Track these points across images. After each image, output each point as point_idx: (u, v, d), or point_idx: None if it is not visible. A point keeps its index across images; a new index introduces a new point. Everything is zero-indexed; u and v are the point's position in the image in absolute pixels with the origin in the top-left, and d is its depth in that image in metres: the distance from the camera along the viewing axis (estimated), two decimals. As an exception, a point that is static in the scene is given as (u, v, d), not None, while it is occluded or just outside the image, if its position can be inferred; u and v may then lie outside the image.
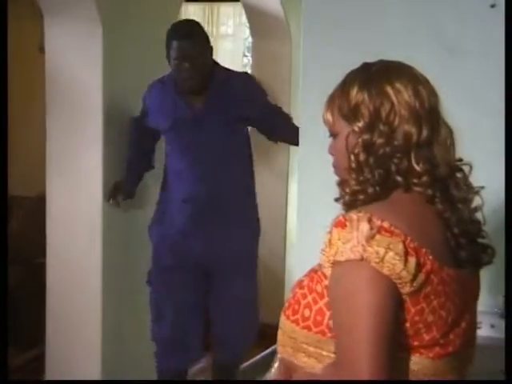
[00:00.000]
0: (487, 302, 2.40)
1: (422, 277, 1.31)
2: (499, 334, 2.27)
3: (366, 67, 1.51)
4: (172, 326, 3.20)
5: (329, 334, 1.37)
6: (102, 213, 3.31)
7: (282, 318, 1.48)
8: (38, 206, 3.84)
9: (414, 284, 1.30)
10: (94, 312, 3.38)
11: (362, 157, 1.43)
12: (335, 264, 1.33)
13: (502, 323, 2.37)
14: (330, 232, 1.35)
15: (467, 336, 1.46)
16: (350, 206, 1.45)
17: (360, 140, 1.43)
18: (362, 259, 1.29)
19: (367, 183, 1.42)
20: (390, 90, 1.43)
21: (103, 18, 3.22)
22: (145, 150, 3.34)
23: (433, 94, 1.47)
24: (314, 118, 2.70)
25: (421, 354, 1.36)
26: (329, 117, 1.50)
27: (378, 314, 1.27)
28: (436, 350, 1.37)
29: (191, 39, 3.02)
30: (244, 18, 5.18)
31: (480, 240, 1.48)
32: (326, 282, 1.37)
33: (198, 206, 3.12)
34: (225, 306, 3.26)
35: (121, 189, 3.30)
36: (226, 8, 6.26)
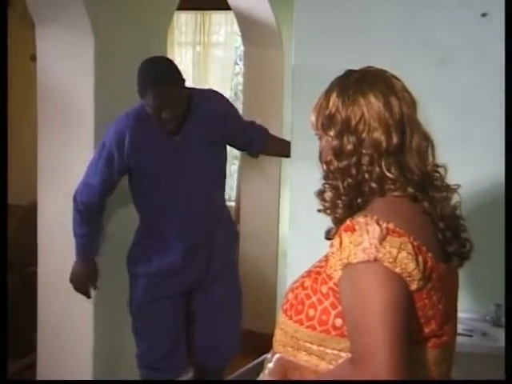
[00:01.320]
0: (479, 309, 2.41)
1: (426, 274, 1.39)
2: (491, 342, 2.28)
3: (347, 75, 1.56)
4: (164, 347, 3.24)
5: (333, 333, 1.43)
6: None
7: (284, 319, 1.52)
8: (29, 214, 3.83)
9: (421, 282, 1.37)
10: (85, 320, 3.37)
11: (333, 164, 1.50)
12: (347, 266, 1.38)
13: (493, 331, 2.38)
14: (340, 236, 1.40)
15: (456, 327, 1.55)
16: (334, 217, 1.50)
17: (331, 148, 1.50)
18: (375, 260, 1.35)
19: (339, 191, 1.48)
20: (361, 99, 1.49)
21: (95, 27, 3.21)
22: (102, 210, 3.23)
23: (408, 103, 1.52)
24: (306, 126, 2.71)
25: (421, 345, 1.43)
26: (313, 120, 1.57)
27: (394, 311, 1.33)
28: (433, 341, 1.45)
29: (169, 85, 2.94)
30: (236, 27, 5.18)
31: (462, 234, 1.55)
32: (331, 284, 1.43)
33: (192, 235, 3.14)
34: (212, 312, 3.29)
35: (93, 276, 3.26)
36: (217, 16, 6.27)
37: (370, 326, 1.33)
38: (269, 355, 1.59)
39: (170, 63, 3.07)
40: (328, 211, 1.52)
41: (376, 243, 1.35)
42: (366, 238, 1.36)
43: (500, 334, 2.36)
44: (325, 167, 1.52)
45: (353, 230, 1.39)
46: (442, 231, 1.50)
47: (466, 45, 2.54)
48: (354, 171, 1.47)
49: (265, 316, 4.68)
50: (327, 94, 1.54)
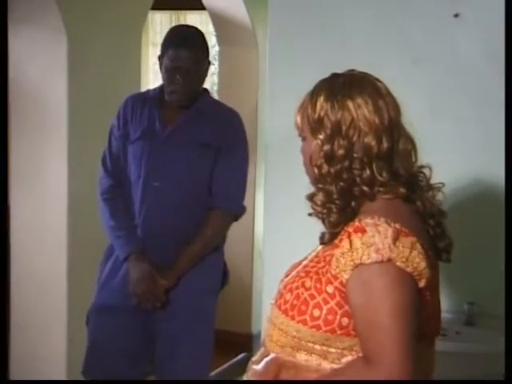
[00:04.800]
0: (452, 309, 2.42)
1: (431, 272, 1.44)
2: (464, 341, 2.29)
3: (333, 78, 1.57)
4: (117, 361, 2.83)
5: (339, 332, 1.45)
6: (67, 224, 3.27)
7: (283, 320, 1.52)
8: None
9: (428, 280, 1.42)
10: (59, 323, 3.35)
11: (324, 168, 1.50)
12: (359, 267, 1.40)
13: (466, 330, 2.39)
14: (348, 238, 1.42)
15: None
16: (329, 221, 1.50)
17: (322, 152, 1.50)
18: (388, 260, 1.38)
19: (332, 194, 1.49)
20: (350, 104, 1.50)
21: (68, 27, 3.19)
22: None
23: (394, 107, 1.54)
24: (281, 127, 2.71)
25: (421, 342, 1.45)
26: (298, 121, 1.57)
27: (407, 310, 1.38)
28: (429, 338, 1.52)
29: (190, 50, 2.70)
30: (211, 27, 5.17)
31: (445, 230, 1.59)
32: (337, 284, 1.45)
33: (146, 231, 2.77)
34: (170, 349, 2.80)
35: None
36: (192, 16, 6.25)
37: (385, 325, 1.37)
38: (255, 357, 1.60)
39: (199, 31, 2.84)
40: (320, 215, 1.53)
41: (390, 243, 1.38)
42: (378, 238, 1.39)
43: (473, 333, 2.38)
44: (316, 171, 1.52)
45: (363, 231, 1.41)
46: (432, 228, 1.55)
47: (439, 45, 2.56)
48: (345, 175, 1.49)
49: (240, 316, 4.69)
50: (313, 96, 1.54)
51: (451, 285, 2.43)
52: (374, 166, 1.48)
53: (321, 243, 1.57)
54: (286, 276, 1.63)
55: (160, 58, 2.77)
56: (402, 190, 1.50)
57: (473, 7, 2.50)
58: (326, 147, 1.50)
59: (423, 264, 1.40)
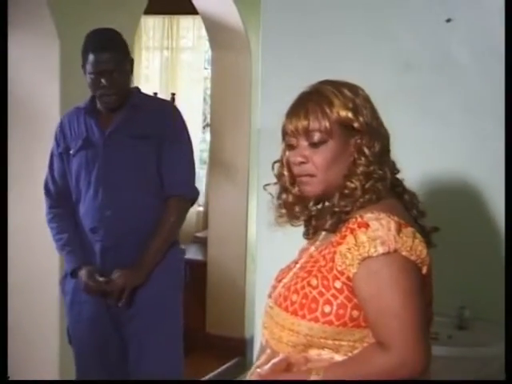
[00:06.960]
0: (444, 312, 2.42)
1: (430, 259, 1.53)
2: (456, 344, 2.30)
3: (334, 82, 1.61)
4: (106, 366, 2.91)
5: (350, 324, 1.51)
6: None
7: (294, 320, 1.55)
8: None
9: (429, 267, 1.50)
10: (51, 323, 3.34)
11: (369, 164, 1.55)
12: (366, 260, 1.46)
13: (458, 334, 2.40)
14: (352, 233, 1.49)
15: None
16: (335, 211, 1.56)
17: (367, 147, 1.55)
18: (394, 251, 1.46)
19: (376, 184, 1.55)
20: (363, 110, 1.57)
21: (60, 32, 3.19)
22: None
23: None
24: (274, 131, 2.72)
25: None
26: (322, 125, 1.56)
27: (416, 296, 1.46)
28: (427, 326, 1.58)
29: (109, 52, 2.75)
30: (204, 31, 5.18)
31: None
32: (344, 279, 1.51)
33: (106, 233, 2.80)
34: (140, 348, 2.86)
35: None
36: (185, 21, 6.26)
37: (397, 312, 1.44)
38: (259, 362, 1.61)
39: (115, 32, 2.90)
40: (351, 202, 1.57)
41: (394, 235, 1.46)
42: (382, 231, 1.46)
43: (465, 337, 2.38)
44: (364, 162, 1.55)
45: (366, 225, 1.48)
46: (417, 217, 1.62)
47: (431, 50, 2.57)
48: (384, 167, 1.58)
49: (233, 321, 4.69)
50: (334, 99, 1.57)
51: (443, 288, 2.43)
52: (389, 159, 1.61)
53: (322, 229, 1.62)
54: (279, 281, 1.65)
55: (83, 66, 2.82)
56: (400, 188, 1.62)
57: (465, 12, 2.51)
58: (375, 145, 1.56)
59: (425, 251, 1.49)
